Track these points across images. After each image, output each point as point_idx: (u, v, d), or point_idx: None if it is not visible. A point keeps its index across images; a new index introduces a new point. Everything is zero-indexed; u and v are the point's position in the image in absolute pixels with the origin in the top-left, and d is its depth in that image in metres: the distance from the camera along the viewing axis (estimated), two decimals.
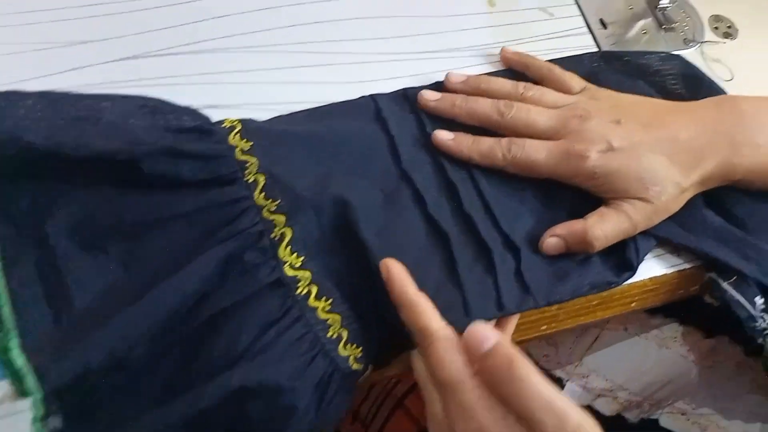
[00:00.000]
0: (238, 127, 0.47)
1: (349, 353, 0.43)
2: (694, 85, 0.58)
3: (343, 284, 0.44)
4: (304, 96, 0.54)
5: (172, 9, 0.56)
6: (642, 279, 0.53)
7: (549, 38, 0.62)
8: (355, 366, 0.43)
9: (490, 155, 0.51)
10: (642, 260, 0.51)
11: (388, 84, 0.56)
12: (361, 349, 0.43)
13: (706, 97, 0.54)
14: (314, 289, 0.43)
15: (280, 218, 0.44)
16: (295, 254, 0.44)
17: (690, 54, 0.64)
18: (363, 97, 0.54)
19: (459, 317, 0.44)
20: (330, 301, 0.43)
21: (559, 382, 0.74)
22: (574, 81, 0.55)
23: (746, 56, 0.64)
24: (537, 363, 0.74)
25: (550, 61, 0.58)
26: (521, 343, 0.51)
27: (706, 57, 0.64)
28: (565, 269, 0.48)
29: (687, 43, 0.65)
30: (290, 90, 0.54)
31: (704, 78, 0.58)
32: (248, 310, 0.41)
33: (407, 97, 0.55)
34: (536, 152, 0.50)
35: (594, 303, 0.53)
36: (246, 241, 0.43)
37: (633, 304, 0.55)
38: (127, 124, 0.43)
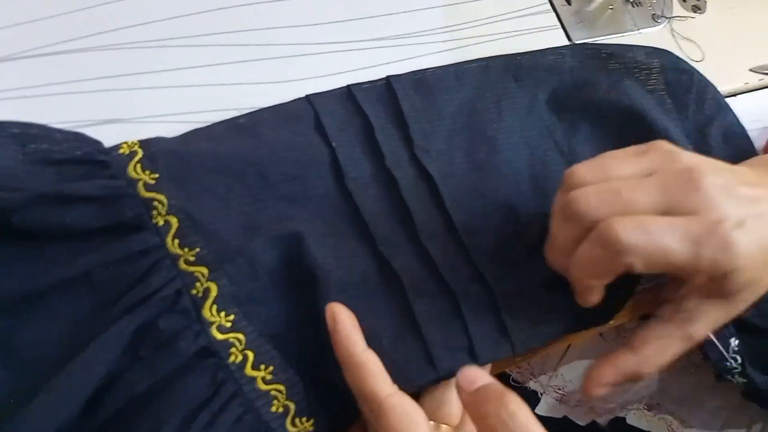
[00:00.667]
0: (139, 154, 0.37)
1: (299, 429, 0.35)
2: (682, 82, 0.50)
3: (286, 344, 0.36)
4: (225, 101, 0.44)
5: None
6: None
7: (509, 18, 0.53)
8: None
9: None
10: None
11: (327, 81, 0.46)
12: (312, 421, 0.35)
13: (693, 93, 0.49)
14: (251, 355, 0.34)
15: (202, 270, 0.35)
16: (223, 313, 0.35)
17: (659, 32, 0.57)
18: (297, 99, 0.44)
19: (422, 370, 0.37)
20: (271, 368, 0.35)
21: (534, 396, 0.69)
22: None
23: (716, 33, 0.59)
24: (509, 377, 0.68)
25: (526, 53, 0.49)
26: None
27: (676, 35, 0.57)
28: (550, 308, 0.40)
29: (656, 18, 0.58)
30: (207, 94, 0.44)
31: (693, 72, 0.50)
32: (171, 392, 0.33)
33: (352, 95, 0.45)
34: (661, 231, 0.33)
35: None
36: (161, 304, 0.34)
37: (611, 322, 0.47)
38: None
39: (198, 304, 0.34)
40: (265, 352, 0.35)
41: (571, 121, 0.48)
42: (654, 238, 0.33)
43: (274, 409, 0.34)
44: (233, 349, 0.34)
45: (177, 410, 0.32)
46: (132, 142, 0.38)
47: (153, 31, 0.44)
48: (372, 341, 0.36)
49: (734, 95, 0.55)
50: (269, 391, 0.34)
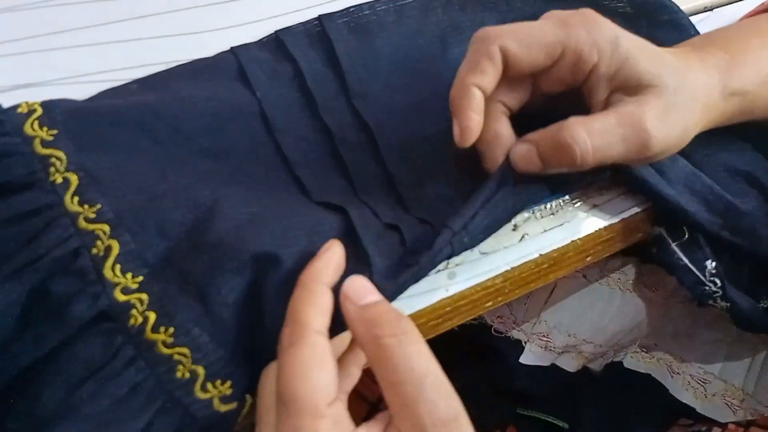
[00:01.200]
0: (38, 112, 0.35)
1: (212, 394, 0.32)
2: (640, 4, 0.47)
3: (199, 303, 0.33)
4: (143, 58, 0.41)
5: None
6: (597, 230, 0.43)
7: None
8: (224, 407, 0.32)
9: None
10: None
11: (252, 28, 0.43)
12: (230, 383, 0.32)
13: (645, 17, 0.46)
14: (152, 317, 0.32)
15: (103, 227, 0.33)
16: (129, 274, 0.32)
17: None
18: (221, 53, 0.41)
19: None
20: (171, 330, 0.32)
21: (519, 345, 0.66)
22: None
23: None
24: (491, 327, 0.66)
25: None
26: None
27: None
28: None
29: None
30: (123, 52, 0.41)
31: None
32: (59, 361, 0.30)
33: (280, 41, 0.42)
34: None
35: (544, 266, 0.43)
36: (53, 266, 0.31)
37: (588, 258, 0.45)
38: None
39: (98, 264, 0.32)
40: (168, 313, 0.32)
41: None
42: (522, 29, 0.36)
43: (179, 375, 0.31)
44: (134, 311, 0.31)
45: (66, 377, 0.29)
46: (32, 102, 0.35)
47: None
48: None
49: (710, 9, 0.53)
50: (171, 355, 0.31)
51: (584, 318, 0.64)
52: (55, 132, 0.34)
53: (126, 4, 0.42)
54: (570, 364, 0.68)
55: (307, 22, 0.43)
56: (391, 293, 0.34)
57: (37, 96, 0.36)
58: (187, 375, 0.31)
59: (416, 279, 0.35)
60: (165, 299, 0.32)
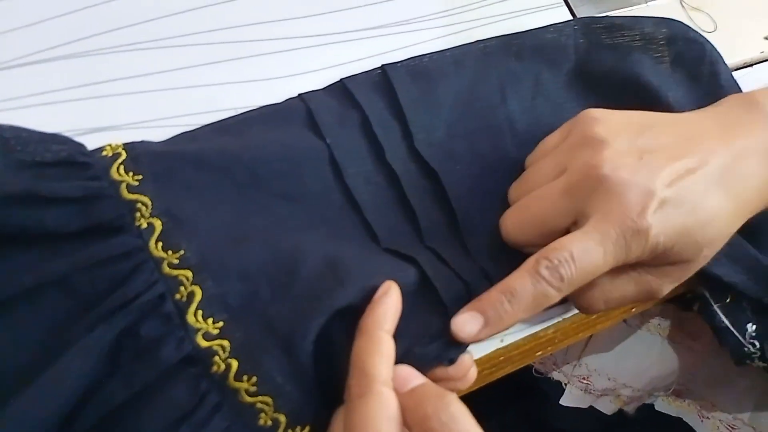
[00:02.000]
0: (123, 156, 0.35)
1: None
2: (694, 52, 0.46)
3: (282, 350, 0.33)
4: (214, 102, 0.41)
5: (12, 3, 0.41)
6: None
7: None
8: None
9: (542, 301, 0.34)
10: None
11: (321, 76, 0.44)
12: (309, 428, 0.32)
13: (706, 64, 0.45)
14: (234, 365, 0.32)
15: (186, 273, 0.33)
16: (210, 319, 0.32)
17: (668, 3, 0.54)
18: (289, 99, 0.42)
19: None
20: (254, 379, 0.32)
21: (559, 386, 0.66)
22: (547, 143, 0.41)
23: (727, 1, 0.55)
24: (532, 367, 0.66)
25: (526, 32, 0.46)
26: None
27: (686, 6, 0.54)
28: None
29: None
30: (195, 96, 0.42)
31: (704, 43, 0.46)
32: (151, 402, 0.30)
33: (346, 89, 0.42)
34: (590, 257, 0.33)
35: (593, 317, 0.44)
36: (142, 309, 0.31)
37: (633, 309, 0.47)
38: None
39: (182, 309, 0.32)
40: (251, 360, 0.32)
41: (580, 97, 0.45)
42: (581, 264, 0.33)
43: (261, 422, 0.31)
44: (216, 358, 0.31)
45: (157, 422, 0.30)
46: (116, 145, 0.36)
47: (131, 34, 0.42)
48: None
49: (750, 65, 0.52)
50: (254, 403, 0.32)
51: (625, 362, 0.64)
52: (140, 177, 0.34)
53: (196, 51, 0.43)
54: (607, 407, 0.68)
55: (371, 70, 0.43)
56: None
57: (114, 139, 0.37)
58: (269, 423, 0.32)
59: None
60: (247, 346, 0.32)
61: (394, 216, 0.39)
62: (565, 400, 0.67)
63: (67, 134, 0.36)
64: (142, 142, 0.37)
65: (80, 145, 0.35)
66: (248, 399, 0.31)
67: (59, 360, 0.29)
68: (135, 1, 0.43)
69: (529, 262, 0.33)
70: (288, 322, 0.33)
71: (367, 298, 0.33)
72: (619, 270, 0.35)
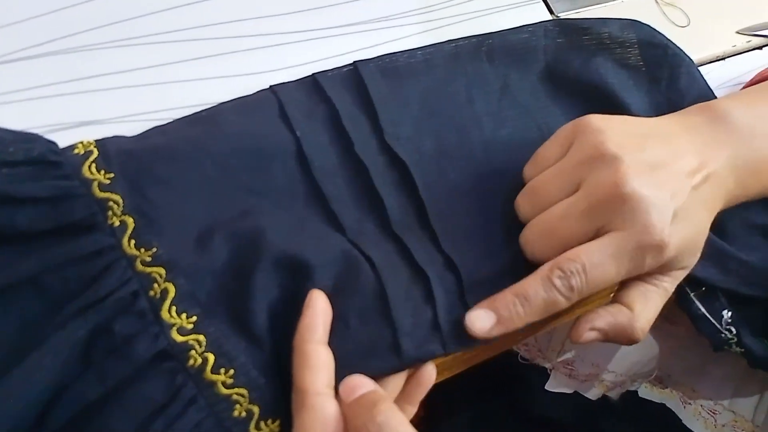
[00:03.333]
0: (95, 154, 0.35)
1: None
2: (655, 56, 0.47)
3: (250, 342, 0.33)
4: (191, 98, 0.41)
5: None
6: None
7: None
8: None
9: (552, 307, 0.35)
10: None
11: (295, 72, 0.43)
12: (278, 422, 0.32)
13: (666, 68, 0.46)
14: (211, 358, 0.32)
15: (159, 270, 0.33)
16: (184, 314, 0.32)
17: None
18: (261, 90, 0.41)
19: (387, 356, 0.34)
20: (231, 371, 0.32)
21: (544, 372, 0.66)
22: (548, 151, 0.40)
23: None
24: (517, 354, 0.66)
25: (497, 33, 0.46)
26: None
27: (660, 1, 0.54)
28: None
29: None
30: (178, 91, 0.41)
31: (667, 46, 0.47)
32: (124, 398, 0.30)
33: (317, 83, 0.42)
34: (602, 270, 0.34)
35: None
36: (115, 306, 0.31)
37: (612, 294, 0.45)
38: None
39: (156, 305, 0.32)
40: (226, 353, 0.32)
41: (546, 99, 0.45)
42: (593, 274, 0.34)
43: (236, 414, 0.31)
44: (192, 352, 0.31)
45: (131, 417, 0.30)
46: (87, 142, 0.35)
47: (115, 31, 0.42)
48: (339, 320, 0.33)
49: (722, 59, 0.52)
50: (230, 395, 0.32)
51: (607, 349, 0.64)
52: (111, 176, 0.34)
53: (179, 47, 0.43)
54: (592, 392, 0.68)
55: (343, 66, 0.43)
56: (414, 360, 0.34)
57: (90, 134, 0.37)
58: (244, 414, 0.32)
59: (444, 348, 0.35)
60: (221, 340, 0.32)
61: (360, 207, 0.39)
62: (550, 386, 0.67)
63: (53, 128, 0.36)
64: (114, 137, 0.37)
65: (52, 143, 0.35)
66: (224, 391, 0.31)
67: (30, 357, 0.29)
68: None
69: (544, 269, 0.35)
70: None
71: (320, 258, 0.34)
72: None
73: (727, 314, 0.43)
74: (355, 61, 0.43)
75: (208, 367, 0.31)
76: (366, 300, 0.35)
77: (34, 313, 0.31)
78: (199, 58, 0.43)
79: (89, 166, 0.34)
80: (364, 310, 0.35)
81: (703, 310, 0.44)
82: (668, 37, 0.47)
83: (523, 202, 0.39)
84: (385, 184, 0.39)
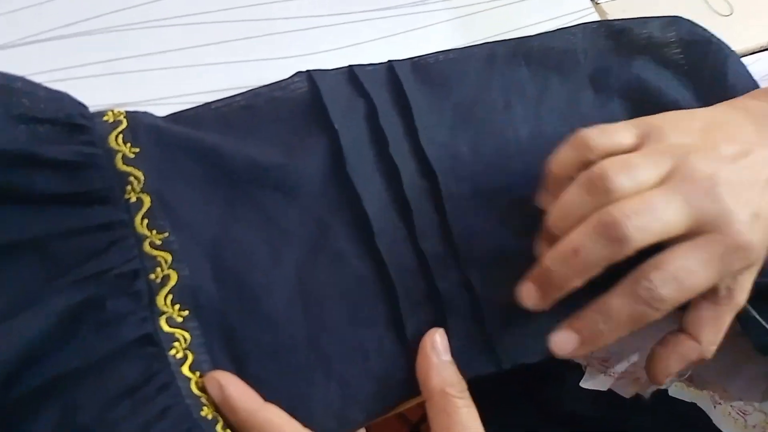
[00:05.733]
0: (123, 124, 0.34)
1: None
2: (699, 53, 0.44)
3: (233, 353, 0.33)
4: (229, 81, 0.40)
5: None
6: None
7: None
8: None
9: (641, 320, 0.32)
10: None
11: (330, 57, 0.42)
12: None
13: (711, 66, 0.43)
14: (191, 357, 0.31)
15: (166, 256, 0.32)
16: (177, 306, 0.32)
17: None
18: (297, 74, 0.39)
19: (402, 385, 0.35)
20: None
21: (578, 368, 0.64)
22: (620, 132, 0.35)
23: None
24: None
25: (535, 36, 0.43)
26: None
27: None
28: (538, 322, 0.35)
29: None
30: (210, 74, 0.40)
31: (710, 41, 0.44)
32: (99, 375, 0.29)
33: (355, 76, 0.40)
34: (693, 278, 0.31)
35: None
36: (113, 282, 0.31)
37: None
38: None
39: (153, 290, 0.31)
40: (202, 362, 0.32)
41: (587, 106, 0.43)
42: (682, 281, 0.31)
43: (203, 413, 0.31)
44: (177, 344, 0.31)
45: (101, 393, 0.29)
46: (118, 111, 0.34)
47: (146, 12, 0.41)
48: (356, 352, 0.34)
49: (766, 49, 0.49)
50: (201, 397, 0.31)
51: (642, 345, 0.61)
52: (137, 150, 0.33)
53: (212, 29, 0.42)
54: (625, 390, 0.65)
55: (379, 64, 0.41)
56: None
57: None
58: (211, 416, 0.31)
59: None
60: (207, 344, 0.32)
61: (390, 212, 0.38)
62: (584, 383, 0.65)
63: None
64: (145, 113, 0.36)
65: (82, 106, 0.34)
66: (196, 391, 0.31)
67: (18, 316, 0.28)
68: None
69: (628, 280, 0.31)
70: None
71: None
72: None
73: None
74: (389, 61, 0.41)
75: (187, 364, 0.31)
76: (381, 329, 0.35)
77: (36, 276, 0.30)
78: (234, 41, 0.42)
79: (116, 136, 0.33)
80: (380, 338, 0.35)
81: (754, 312, 0.40)
82: (710, 31, 0.44)
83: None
84: (415, 192, 0.38)
